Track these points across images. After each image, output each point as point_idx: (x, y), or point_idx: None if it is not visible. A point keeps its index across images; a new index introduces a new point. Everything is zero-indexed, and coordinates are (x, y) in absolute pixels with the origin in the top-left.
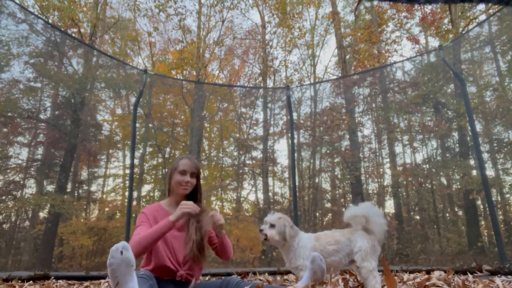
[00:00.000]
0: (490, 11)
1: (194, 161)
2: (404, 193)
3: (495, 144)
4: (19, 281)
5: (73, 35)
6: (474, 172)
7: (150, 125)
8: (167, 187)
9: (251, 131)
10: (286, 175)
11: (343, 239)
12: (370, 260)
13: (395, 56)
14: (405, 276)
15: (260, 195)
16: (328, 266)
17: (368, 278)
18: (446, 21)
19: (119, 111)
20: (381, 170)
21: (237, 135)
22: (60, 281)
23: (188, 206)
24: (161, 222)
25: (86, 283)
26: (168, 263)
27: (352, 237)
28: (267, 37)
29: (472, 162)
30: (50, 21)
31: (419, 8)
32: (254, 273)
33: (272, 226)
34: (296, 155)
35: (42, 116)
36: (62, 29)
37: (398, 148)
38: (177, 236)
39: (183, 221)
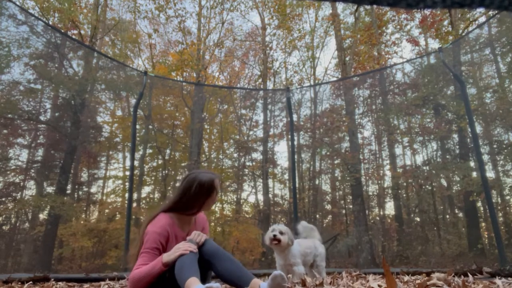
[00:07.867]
0: (490, 13)
1: None
2: (404, 195)
3: (495, 146)
4: (19, 283)
5: (74, 37)
6: (474, 174)
7: (150, 126)
8: (197, 205)
9: (251, 133)
10: (286, 176)
11: (312, 245)
12: (324, 262)
13: (395, 58)
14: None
15: (260, 197)
16: (305, 263)
17: (322, 272)
18: (446, 23)
19: (119, 112)
20: (381, 172)
21: (237, 137)
22: (60, 283)
23: (185, 248)
24: (155, 262)
25: (86, 285)
26: None
27: (315, 244)
28: (267, 39)
29: (472, 164)
30: (50, 23)
31: (418, 10)
32: (254, 275)
33: (282, 233)
34: (296, 157)
35: (42, 118)
36: (63, 31)
37: (398, 150)
38: (185, 237)
39: (188, 228)
